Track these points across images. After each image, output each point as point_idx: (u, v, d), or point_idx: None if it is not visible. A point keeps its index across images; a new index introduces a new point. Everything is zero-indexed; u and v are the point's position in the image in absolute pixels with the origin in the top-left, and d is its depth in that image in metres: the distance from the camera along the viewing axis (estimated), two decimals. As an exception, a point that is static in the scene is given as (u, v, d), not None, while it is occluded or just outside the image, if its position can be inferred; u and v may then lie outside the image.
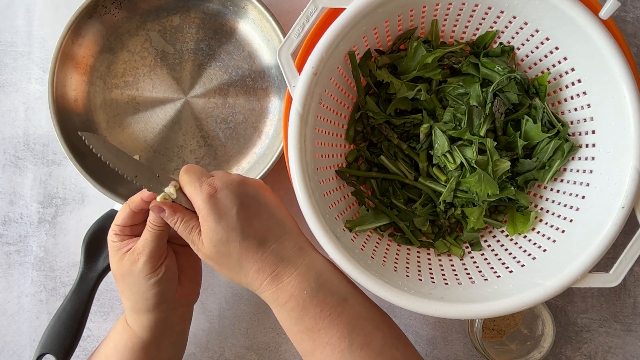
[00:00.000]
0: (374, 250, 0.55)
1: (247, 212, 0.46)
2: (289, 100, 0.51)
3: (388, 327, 0.48)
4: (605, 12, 0.48)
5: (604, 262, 0.48)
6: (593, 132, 0.54)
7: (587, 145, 0.55)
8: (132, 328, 0.52)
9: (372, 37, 0.56)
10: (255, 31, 0.64)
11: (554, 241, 0.54)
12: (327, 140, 0.57)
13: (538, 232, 0.56)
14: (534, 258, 0.54)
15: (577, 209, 0.54)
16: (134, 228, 0.51)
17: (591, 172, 0.54)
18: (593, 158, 0.54)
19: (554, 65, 0.56)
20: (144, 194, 0.49)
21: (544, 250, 0.54)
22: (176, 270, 0.52)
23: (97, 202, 0.66)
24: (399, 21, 0.56)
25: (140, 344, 0.51)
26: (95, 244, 0.57)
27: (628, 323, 0.64)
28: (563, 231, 0.54)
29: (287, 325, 0.47)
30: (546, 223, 0.56)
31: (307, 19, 0.49)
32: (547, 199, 0.58)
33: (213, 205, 0.46)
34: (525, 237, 0.57)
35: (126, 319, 0.53)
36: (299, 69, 0.50)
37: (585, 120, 0.55)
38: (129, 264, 0.49)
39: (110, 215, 0.57)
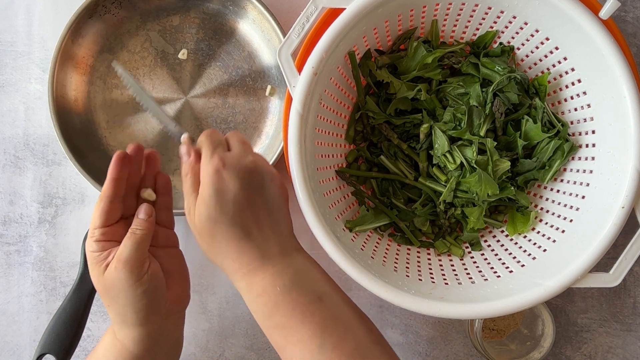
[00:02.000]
0: (374, 250, 0.55)
1: (243, 201, 0.45)
2: (289, 100, 0.51)
3: (365, 330, 0.46)
4: (605, 12, 0.48)
5: (604, 262, 0.48)
6: (593, 132, 0.54)
7: (587, 145, 0.55)
8: (122, 342, 0.49)
9: (372, 37, 0.56)
10: (255, 31, 0.64)
11: (554, 241, 0.54)
12: (327, 140, 0.57)
13: (538, 232, 0.56)
14: (534, 258, 0.54)
15: (577, 209, 0.54)
16: (115, 231, 0.48)
17: (591, 172, 0.54)
18: (593, 158, 0.54)
19: (554, 65, 0.56)
20: (118, 164, 0.48)
21: (544, 250, 0.54)
22: (162, 276, 0.49)
23: (97, 202, 0.66)
24: (399, 21, 0.56)
25: (130, 359, 0.49)
26: (95, 244, 0.57)
27: (628, 323, 0.64)
28: (563, 231, 0.54)
29: (259, 318, 0.46)
30: (546, 223, 0.56)
31: (307, 19, 0.49)
32: (547, 199, 0.58)
33: (216, 180, 0.45)
34: (525, 237, 0.57)
35: (115, 333, 0.49)
36: (299, 69, 0.50)
37: (585, 120, 0.55)
38: (109, 275, 0.46)
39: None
